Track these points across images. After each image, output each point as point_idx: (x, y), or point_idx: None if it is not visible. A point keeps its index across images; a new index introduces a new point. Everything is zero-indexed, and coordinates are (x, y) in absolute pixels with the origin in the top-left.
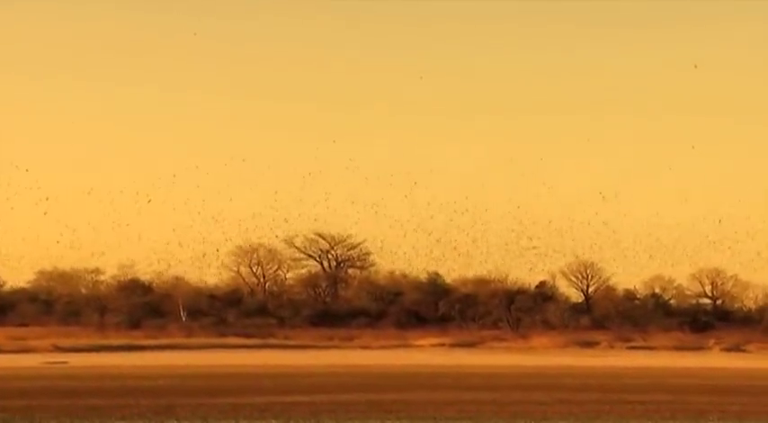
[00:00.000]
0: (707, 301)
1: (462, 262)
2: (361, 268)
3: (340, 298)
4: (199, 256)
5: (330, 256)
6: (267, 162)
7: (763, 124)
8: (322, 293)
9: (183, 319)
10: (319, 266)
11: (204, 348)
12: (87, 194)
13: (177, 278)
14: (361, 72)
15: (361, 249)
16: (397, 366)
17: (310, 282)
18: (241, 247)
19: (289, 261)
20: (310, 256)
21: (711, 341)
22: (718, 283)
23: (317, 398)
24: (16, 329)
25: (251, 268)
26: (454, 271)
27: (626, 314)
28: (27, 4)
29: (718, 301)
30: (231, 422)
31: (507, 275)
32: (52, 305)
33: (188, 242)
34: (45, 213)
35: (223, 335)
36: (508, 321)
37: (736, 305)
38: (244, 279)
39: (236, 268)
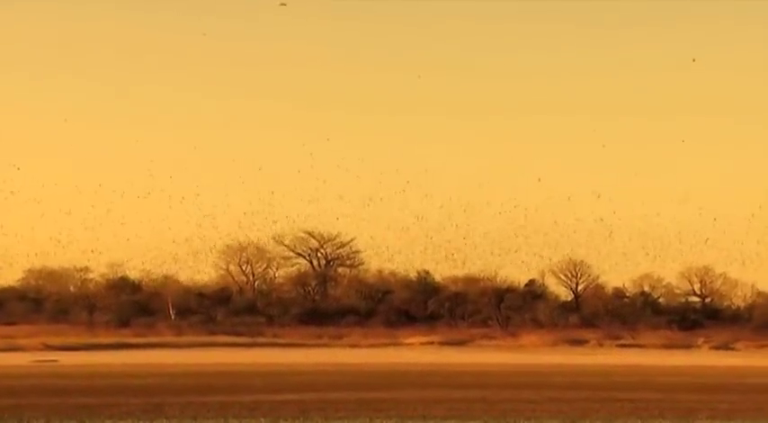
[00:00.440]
0: (696, 299)
1: (452, 260)
2: (351, 267)
3: (329, 296)
4: (192, 255)
5: (319, 255)
6: (260, 161)
7: (758, 123)
8: (311, 292)
9: (173, 317)
10: (309, 265)
11: (193, 347)
12: (80, 193)
13: (166, 276)
14: (358, 71)
15: (350, 248)
16: (386, 364)
17: (299, 280)
18: (230, 245)
19: (278, 259)
20: (300, 254)
21: (700, 339)
22: (707, 282)
23: (306, 396)
24: (5, 328)
25: (240, 267)
26: (444, 269)
27: (615, 312)
28: (27, 4)
29: (707, 300)
30: (220, 420)
31: (496, 274)
32: (41, 304)
33: (181, 241)
34: (42, 215)
35: (212, 333)
36: (498, 320)
37: (724, 303)
38: (233, 277)
39: (225, 266)
